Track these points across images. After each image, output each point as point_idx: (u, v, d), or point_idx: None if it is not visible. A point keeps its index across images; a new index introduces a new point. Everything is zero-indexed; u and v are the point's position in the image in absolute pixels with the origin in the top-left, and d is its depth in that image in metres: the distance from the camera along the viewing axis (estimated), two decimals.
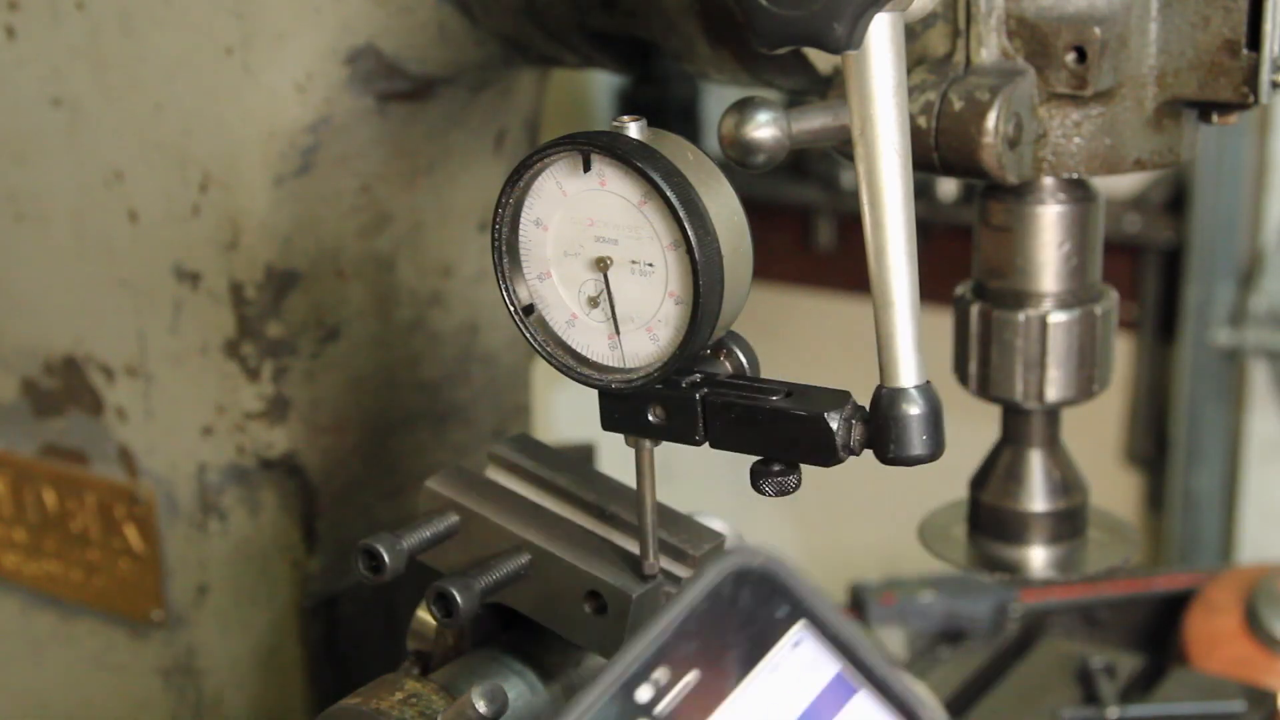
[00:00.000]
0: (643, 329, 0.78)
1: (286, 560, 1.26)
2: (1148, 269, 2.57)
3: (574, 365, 0.81)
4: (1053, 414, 1.03)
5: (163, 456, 1.27)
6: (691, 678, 0.62)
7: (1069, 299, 0.98)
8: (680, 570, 0.87)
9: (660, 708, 0.61)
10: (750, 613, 0.64)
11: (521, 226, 0.80)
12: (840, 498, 2.57)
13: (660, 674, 0.62)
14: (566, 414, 2.38)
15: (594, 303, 0.79)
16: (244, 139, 1.16)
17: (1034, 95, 0.91)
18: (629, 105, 2.80)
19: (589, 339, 0.80)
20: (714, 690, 0.63)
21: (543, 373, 1.18)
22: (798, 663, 0.64)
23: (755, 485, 0.80)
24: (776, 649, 0.64)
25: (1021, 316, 0.98)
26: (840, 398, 0.77)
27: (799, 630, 0.64)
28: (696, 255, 0.75)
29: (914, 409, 0.75)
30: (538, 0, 1.13)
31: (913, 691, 0.65)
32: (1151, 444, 2.67)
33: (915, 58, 0.92)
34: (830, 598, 0.65)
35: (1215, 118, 0.94)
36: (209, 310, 1.21)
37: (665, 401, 0.80)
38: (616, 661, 0.61)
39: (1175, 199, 2.52)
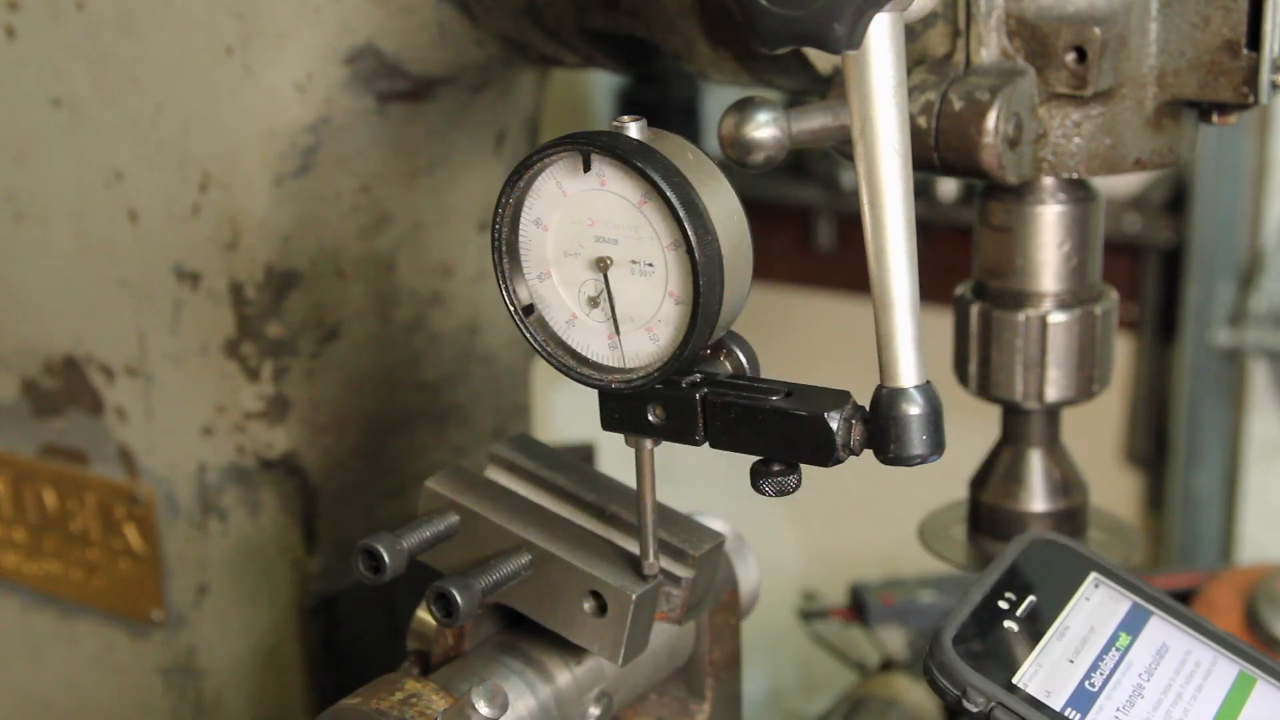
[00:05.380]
0: (643, 329, 0.78)
1: (286, 560, 1.26)
2: (1148, 269, 2.57)
3: (574, 365, 0.81)
4: (1053, 414, 1.03)
5: (163, 456, 1.27)
6: (1032, 597, 0.85)
7: (1069, 299, 0.98)
8: (680, 570, 0.87)
9: (1018, 612, 0.84)
10: (1055, 566, 0.88)
11: (521, 226, 0.80)
12: (840, 498, 2.57)
13: (1010, 594, 0.85)
14: (566, 414, 2.38)
15: (594, 303, 0.79)
16: (244, 139, 1.16)
17: (1034, 95, 0.91)
18: (629, 105, 2.80)
19: (589, 339, 0.80)
20: (1052, 607, 0.85)
21: (543, 373, 1.18)
22: (1102, 597, 0.87)
23: (755, 485, 0.80)
24: (1083, 587, 0.87)
25: (1021, 316, 0.98)
26: (840, 398, 0.77)
27: (1094, 578, 0.88)
28: (696, 255, 0.75)
29: (914, 409, 0.75)
30: (538, 0, 1.13)
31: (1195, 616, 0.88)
32: (1151, 444, 2.67)
33: (915, 58, 0.92)
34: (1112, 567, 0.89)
35: (1215, 118, 0.94)
36: (209, 310, 1.21)
37: (665, 401, 0.80)
38: (976, 586, 0.85)
39: (1175, 199, 2.52)
